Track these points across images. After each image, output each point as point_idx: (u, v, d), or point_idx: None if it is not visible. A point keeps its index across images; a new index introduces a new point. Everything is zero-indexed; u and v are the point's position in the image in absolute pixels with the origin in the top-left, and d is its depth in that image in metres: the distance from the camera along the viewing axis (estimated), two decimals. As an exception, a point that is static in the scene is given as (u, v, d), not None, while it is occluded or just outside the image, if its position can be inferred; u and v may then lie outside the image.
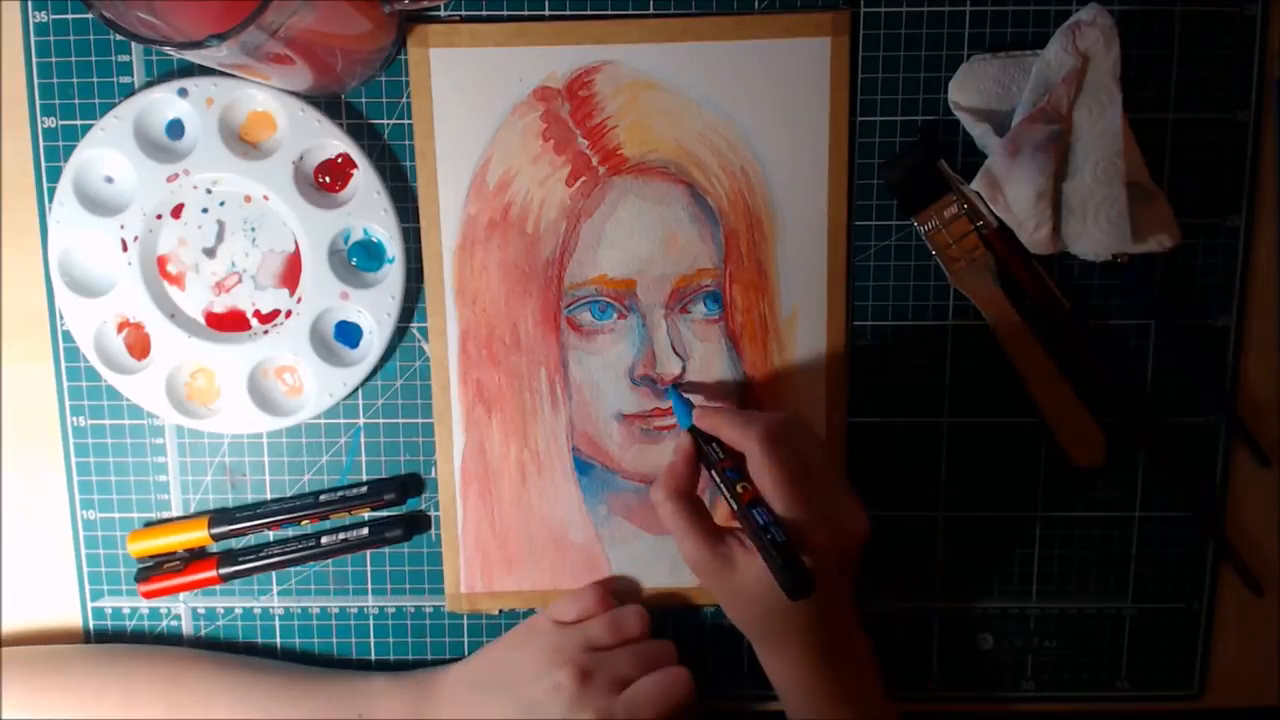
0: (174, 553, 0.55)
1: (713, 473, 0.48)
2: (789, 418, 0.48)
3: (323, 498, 0.54)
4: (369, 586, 0.56)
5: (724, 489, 0.46)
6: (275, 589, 0.56)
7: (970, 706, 0.57)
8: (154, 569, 0.55)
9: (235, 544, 0.55)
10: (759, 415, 0.47)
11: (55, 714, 0.50)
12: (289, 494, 0.55)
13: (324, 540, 0.54)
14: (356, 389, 0.53)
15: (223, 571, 0.54)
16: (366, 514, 0.54)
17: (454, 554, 0.55)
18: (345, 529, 0.54)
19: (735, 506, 0.45)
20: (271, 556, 0.54)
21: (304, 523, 0.54)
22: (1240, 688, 0.56)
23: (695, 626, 0.56)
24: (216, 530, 0.54)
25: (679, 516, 0.47)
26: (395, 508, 0.54)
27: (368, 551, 0.55)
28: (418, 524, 0.55)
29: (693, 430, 0.49)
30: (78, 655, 0.54)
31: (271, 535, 0.55)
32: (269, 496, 0.55)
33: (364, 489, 0.54)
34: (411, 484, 0.55)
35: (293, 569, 0.55)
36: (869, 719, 0.47)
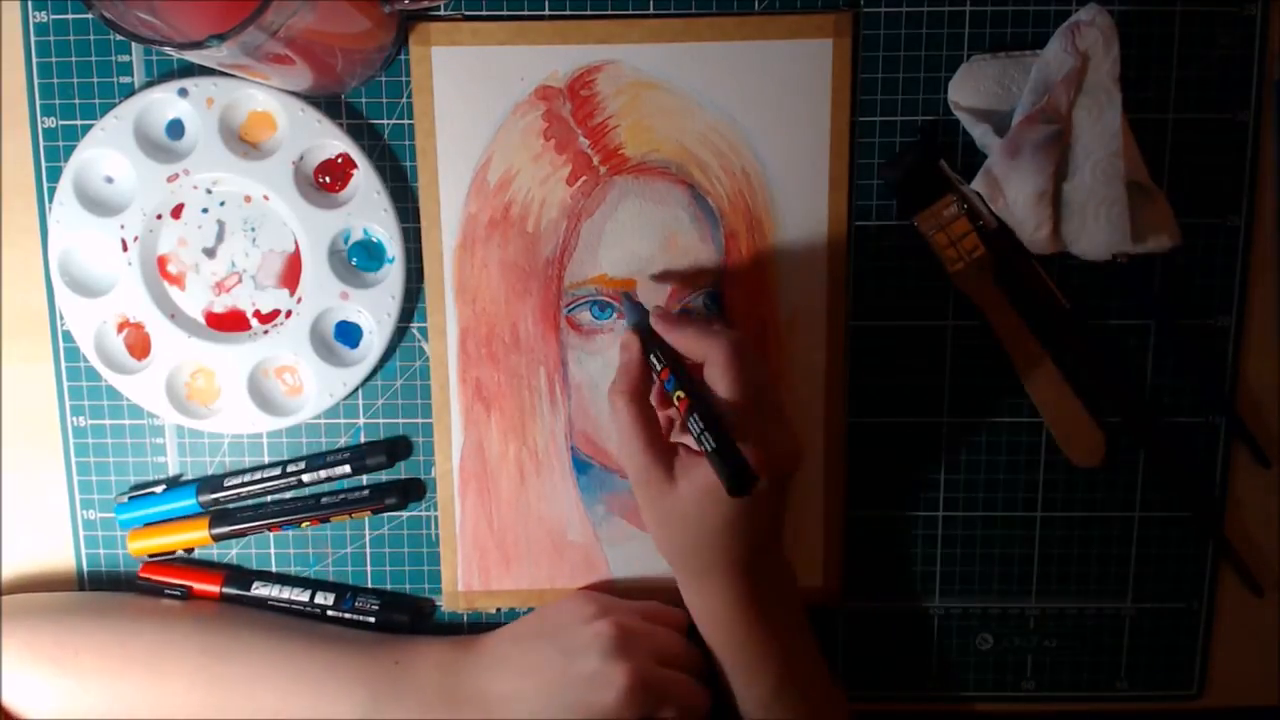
0: (174, 552, 0.55)
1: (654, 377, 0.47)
2: (748, 339, 0.48)
3: (324, 500, 0.54)
4: (368, 586, 0.56)
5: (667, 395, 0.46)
6: (275, 584, 0.56)
7: (970, 706, 0.57)
8: (155, 591, 0.55)
9: (233, 538, 0.56)
10: (724, 328, 0.47)
11: (89, 658, 0.50)
12: (289, 495, 0.55)
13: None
14: (356, 389, 0.53)
15: (226, 591, 0.55)
16: (367, 515, 0.54)
17: (452, 553, 0.55)
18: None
19: (676, 411, 0.45)
20: (271, 582, 0.55)
21: (304, 525, 0.54)
22: (1240, 688, 0.57)
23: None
24: (217, 531, 0.54)
25: (631, 418, 0.46)
26: (396, 510, 0.54)
27: (367, 552, 0.55)
28: (420, 524, 0.55)
29: (640, 333, 0.48)
30: (111, 601, 0.54)
31: (272, 536, 0.55)
32: (269, 498, 0.55)
33: (365, 492, 0.54)
34: (413, 487, 0.55)
35: (293, 565, 0.56)
36: (796, 668, 0.48)
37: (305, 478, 0.54)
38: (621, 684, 0.46)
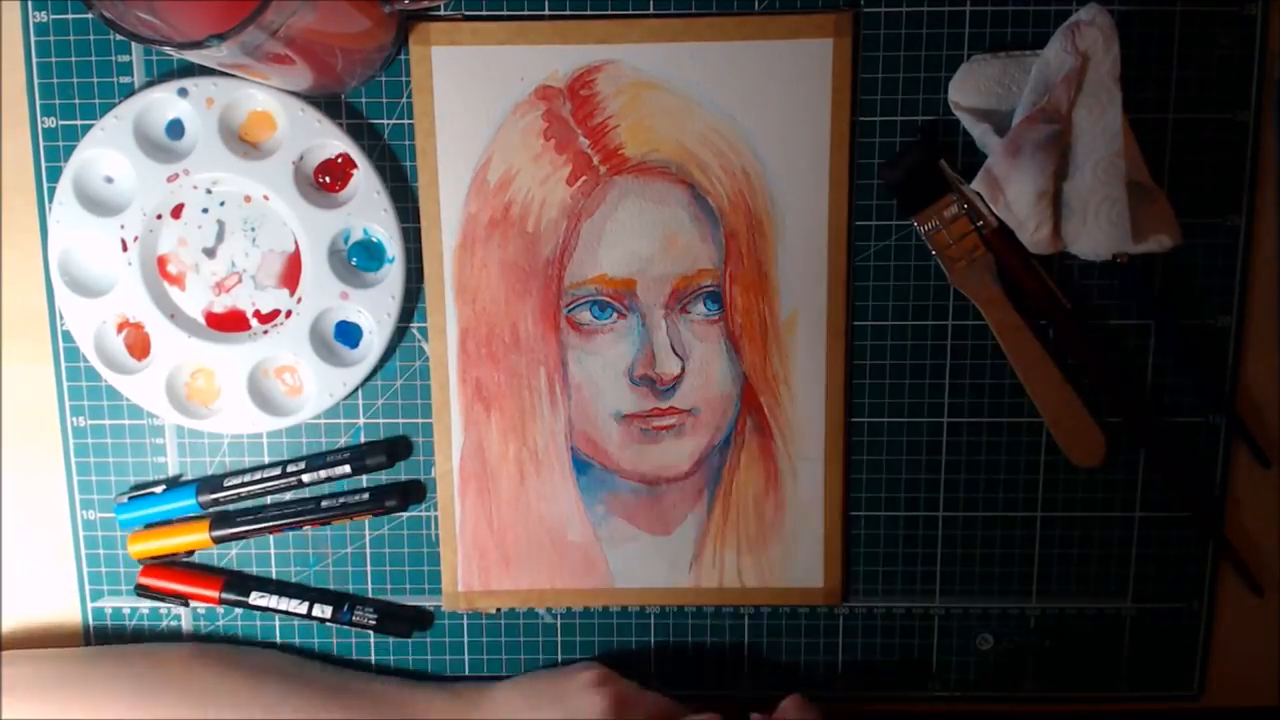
0: (176, 554, 0.55)
1: None
2: None
3: (324, 503, 0.54)
4: (369, 586, 0.56)
5: None
6: (273, 594, 0.56)
7: (970, 706, 0.57)
8: (154, 596, 0.55)
9: (234, 547, 0.56)
10: None
11: (69, 714, 0.50)
12: (289, 496, 0.55)
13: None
14: (356, 389, 0.53)
15: (225, 597, 0.55)
16: (367, 519, 0.54)
17: (452, 553, 0.55)
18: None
19: None
20: (269, 591, 0.55)
21: (305, 528, 0.54)
22: (1240, 688, 0.57)
23: (696, 625, 0.56)
24: (218, 533, 0.54)
25: None
26: (397, 512, 0.54)
27: (367, 552, 0.55)
28: (421, 525, 0.55)
29: None
30: (98, 655, 0.54)
31: (272, 539, 0.55)
32: (269, 500, 0.55)
33: (366, 495, 0.54)
34: (413, 489, 0.55)
35: (293, 566, 0.56)
36: None
37: (305, 478, 0.54)
38: None
